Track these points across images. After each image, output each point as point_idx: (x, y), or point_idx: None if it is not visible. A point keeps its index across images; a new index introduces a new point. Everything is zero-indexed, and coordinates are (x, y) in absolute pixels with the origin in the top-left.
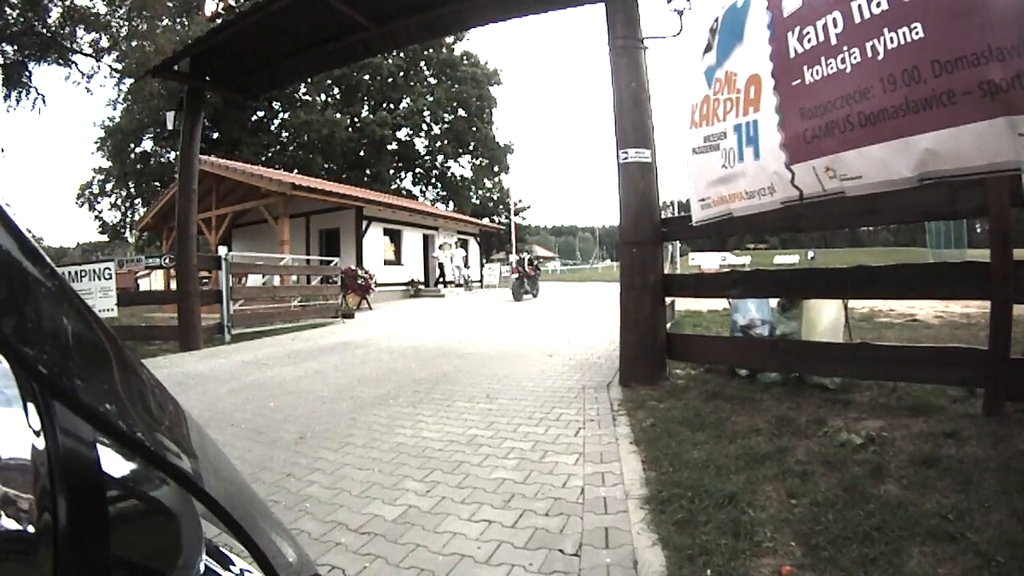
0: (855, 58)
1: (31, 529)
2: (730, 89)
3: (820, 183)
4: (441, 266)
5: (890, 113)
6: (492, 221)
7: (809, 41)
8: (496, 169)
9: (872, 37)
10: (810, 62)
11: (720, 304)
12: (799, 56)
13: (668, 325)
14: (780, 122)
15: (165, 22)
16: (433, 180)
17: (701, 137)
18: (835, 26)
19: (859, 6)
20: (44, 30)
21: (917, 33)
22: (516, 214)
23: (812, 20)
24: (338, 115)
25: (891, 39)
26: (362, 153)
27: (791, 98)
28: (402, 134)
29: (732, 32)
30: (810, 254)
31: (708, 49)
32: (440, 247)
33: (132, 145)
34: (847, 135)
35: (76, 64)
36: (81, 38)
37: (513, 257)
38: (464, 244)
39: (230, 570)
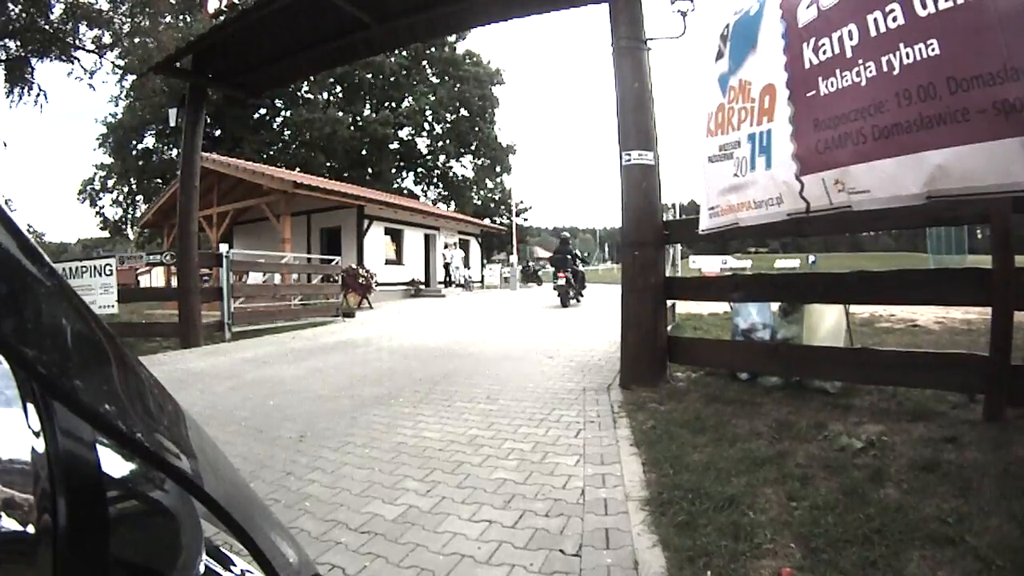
0: (870, 72)
1: (31, 530)
2: (745, 98)
3: (828, 196)
4: (447, 266)
5: (904, 128)
6: (493, 221)
7: (824, 53)
8: (498, 169)
9: (888, 51)
10: (825, 74)
11: (721, 307)
12: (814, 67)
13: (669, 328)
14: (793, 132)
15: (168, 19)
16: (435, 180)
17: (716, 146)
18: (851, 39)
19: (875, 20)
20: (47, 26)
21: (933, 49)
22: (517, 215)
23: (828, 32)
24: (340, 113)
25: (907, 54)
26: (364, 152)
27: (805, 109)
28: (404, 133)
29: (745, 40)
30: (811, 259)
31: (720, 56)
32: (446, 247)
33: (134, 142)
34: (859, 148)
35: (78, 60)
36: (84, 34)
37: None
38: (465, 244)
39: (230, 570)
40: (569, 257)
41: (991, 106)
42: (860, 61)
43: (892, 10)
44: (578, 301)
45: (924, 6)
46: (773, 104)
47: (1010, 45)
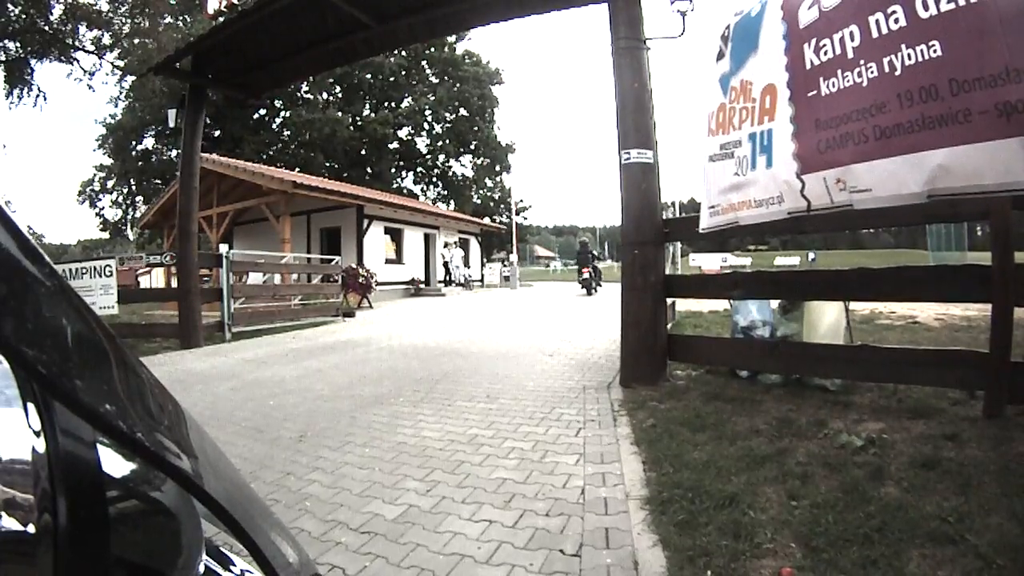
0: (872, 72)
1: (31, 529)
2: (746, 98)
3: (829, 195)
4: (447, 265)
5: (905, 128)
6: (493, 221)
7: (826, 53)
8: (497, 169)
9: (889, 52)
10: (826, 74)
11: (721, 305)
12: (815, 68)
13: (669, 326)
14: (794, 132)
15: (167, 19)
16: (434, 179)
17: (717, 145)
18: (852, 40)
19: (876, 21)
20: (46, 27)
21: (935, 51)
22: (517, 214)
23: (829, 33)
24: (340, 114)
25: (908, 55)
26: (363, 152)
27: (806, 109)
28: (403, 133)
29: (746, 41)
30: (811, 256)
31: (721, 56)
32: (445, 246)
33: (134, 142)
34: (860, 147)
35: (78, 61)
36: (83, 35)
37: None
38: (465, 243)
39: (230, 570)
40: (590, 256)
41: (993, 107)
42: (862, 62)
43: (894, 11)
44: (596, 291)
45: (926, 8)
46: (774, 104)
47: (1011, 47)
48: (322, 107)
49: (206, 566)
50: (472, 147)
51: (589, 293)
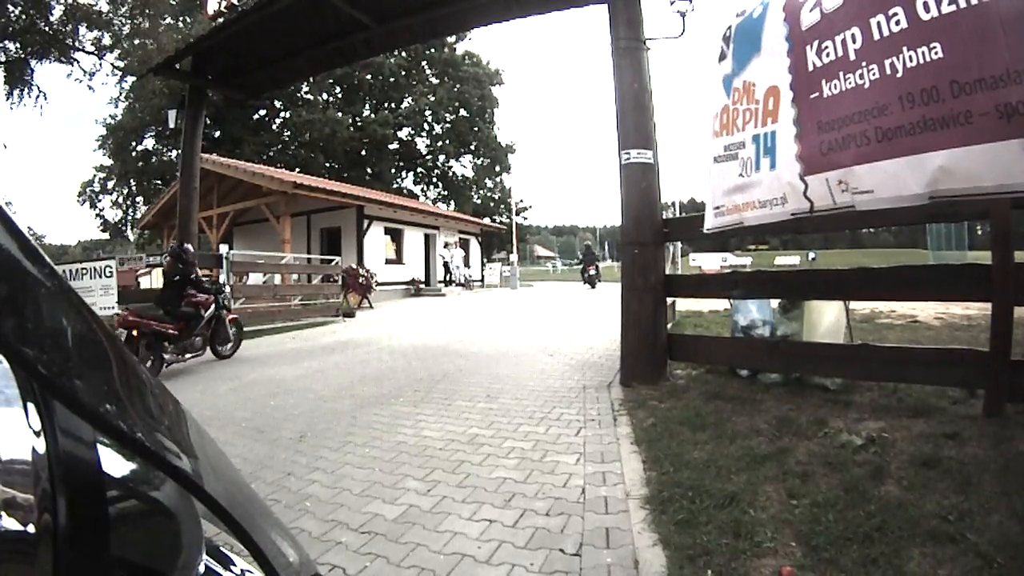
0: (874, 74)
1: (31, 529)
2: (749, 99)
3: (832, 196)
4: (447, 265)
5: (907, 130)
6: (493, 221)
7: (828, 55)
8: (497, 169)
9: (891, 54)
10: (828, 76)
11: (721, 305)
12: (818, 70)
13: (669, 325)
14: (797, 134)
15: (167, 20)
16: (434, 180)
17: (722, 146)
18: (854, 42)
19: (878, 23)
20: (46, 28)
21: (936, 53)
22: (517, 214)
23: (831, 35)
24: (340, 114)
25: (910, 57)
26: (363, 152)
27: (809, 110)
28: (403, 133)
29: (749, 42)
30: (811, 255)
31: (723, 57)
32: (445, 246)
33: (134, 143)
34: (862, 149)
35: (78, 62)
36: (83, 36)
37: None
38: (465, 244)
39: (230, 570)
40: (594, 256)
41: (994, 108)
42: (863, 64)
43: (895, 13)
44: (596, 285)
45: (927, 10)
46: (777, 106)
47: (1012, 48)
48: (322, 108)
49: (206, 566)
50: (472, 147)
51: (592, 286)
